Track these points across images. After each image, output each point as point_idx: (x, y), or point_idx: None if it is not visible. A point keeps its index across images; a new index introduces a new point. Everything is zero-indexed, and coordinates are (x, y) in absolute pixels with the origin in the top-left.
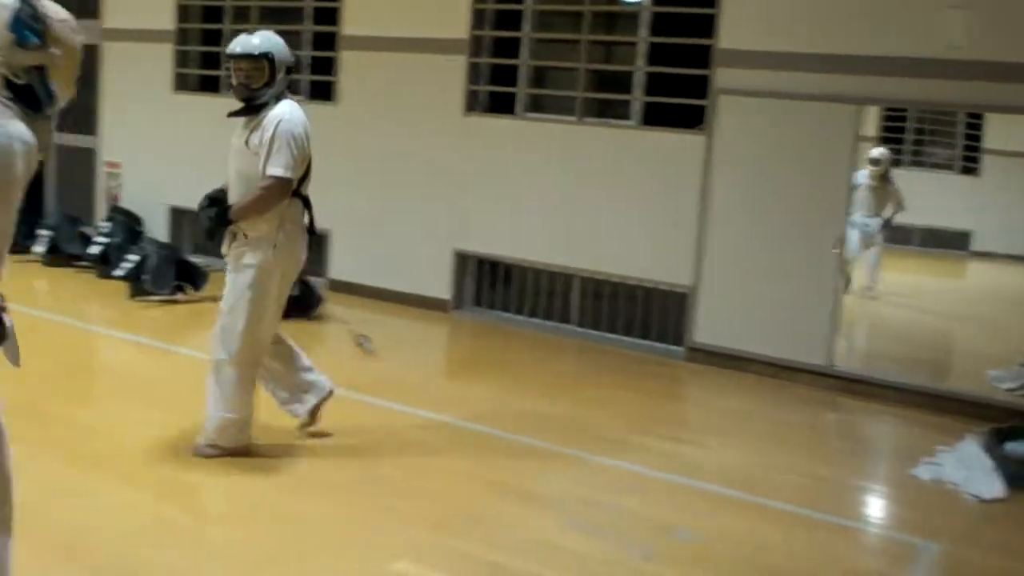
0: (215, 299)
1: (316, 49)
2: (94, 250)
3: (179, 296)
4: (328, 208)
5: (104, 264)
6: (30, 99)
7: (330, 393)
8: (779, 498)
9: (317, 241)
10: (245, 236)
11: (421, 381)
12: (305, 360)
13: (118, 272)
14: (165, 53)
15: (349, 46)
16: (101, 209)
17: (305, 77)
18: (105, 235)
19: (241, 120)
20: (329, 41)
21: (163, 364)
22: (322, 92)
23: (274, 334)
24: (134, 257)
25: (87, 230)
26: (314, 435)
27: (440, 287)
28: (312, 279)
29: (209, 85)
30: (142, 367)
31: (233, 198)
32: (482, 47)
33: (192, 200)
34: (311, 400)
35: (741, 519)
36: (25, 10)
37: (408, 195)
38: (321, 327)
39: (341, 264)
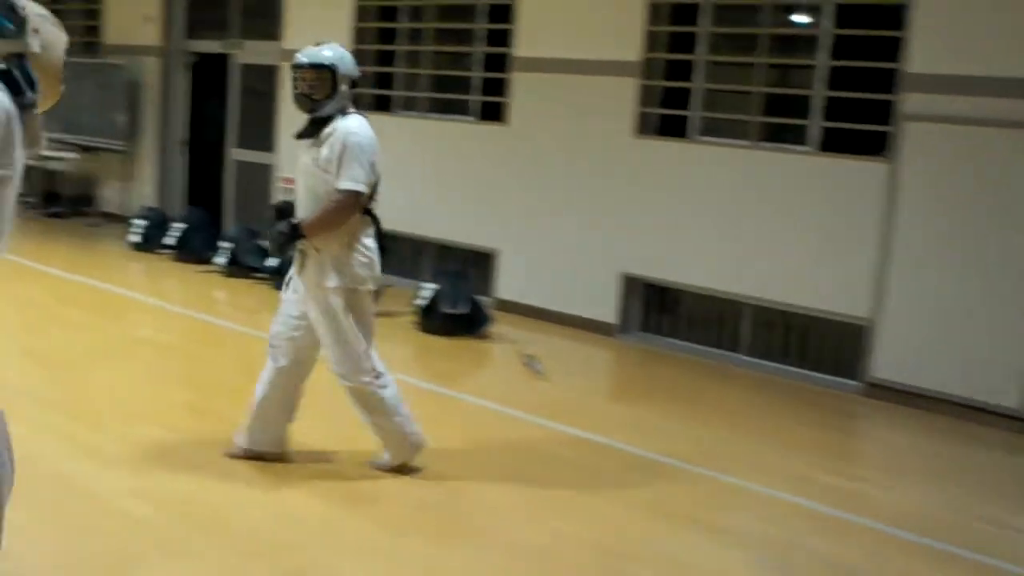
0: (389, 314)
1: (487, 70)
2: (271, 263)
3: None
4: (496, 227)
5: (281, 276)
6: (11, 83)
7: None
8: (967, 546)
9: (484, 260)
10: (316, 250)
11: (590, 404)
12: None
13: None
14: None
15: (521, 67)
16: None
17: (476, 98)
18: None
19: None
20: (500, 62)
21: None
22: (493, 113)
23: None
24: None
25: (264, 243)
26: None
27: (606, 310)
28: (479, 298)
29: (382, 105)
30: (313, 377)
31: (303, 216)
32: (654, 69)
33: None
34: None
35: (925, 565)
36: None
37: (577, 216)
38: (488, 346)
39: (507, 284)
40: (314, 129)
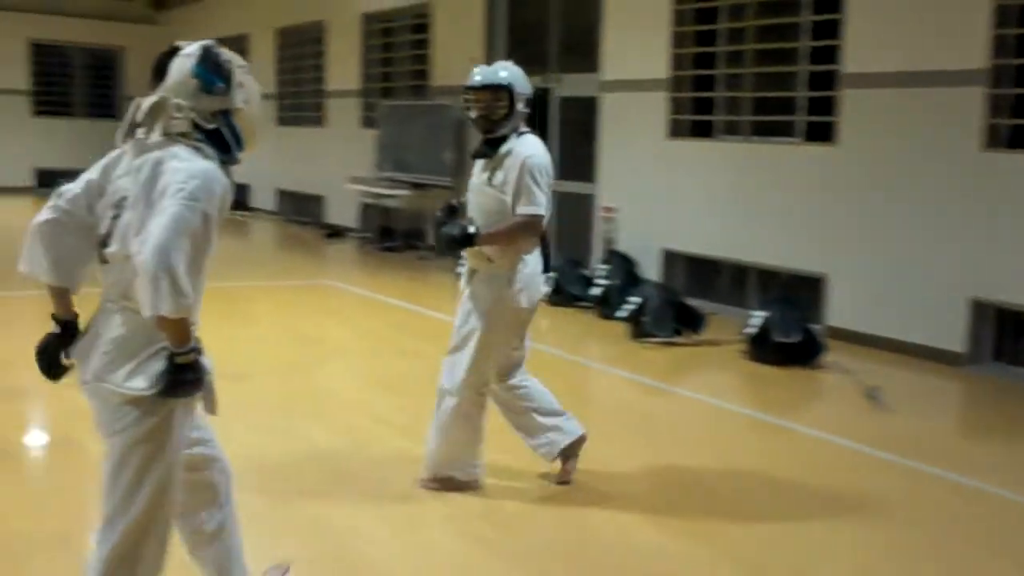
0: (714, 343)
1: (812, 89)
2: (595, 292)
3: (678, 339)
4: (826, 252)
5: (604, 305)
6: (220, 143)
7: (581, 438)
8: None
9: (811, 285)
10: (489, 260)
11: (943, 441)
12: (546, 404)
13: (619, 313)
14: (659, 101)
15: (850, 84)
16: (598, 252)
17: (802, 118)
18: (604, 278)
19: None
20: (826, 80)
21: (662, 403)
22: (819, 133)
23: (507, 372)
24: (635, 299)
25: (587, 272)
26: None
27: (952, 338)
28: (812, 327)
29: (702, 130)
30: (643, 405)
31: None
32: (1004, 77)
33: (687, 243)
34: (559, 440)
35: None
36: (209, 56)
37: (916, 238)
38: (823, 376)
39: (838, 310)
40: (489, 149)
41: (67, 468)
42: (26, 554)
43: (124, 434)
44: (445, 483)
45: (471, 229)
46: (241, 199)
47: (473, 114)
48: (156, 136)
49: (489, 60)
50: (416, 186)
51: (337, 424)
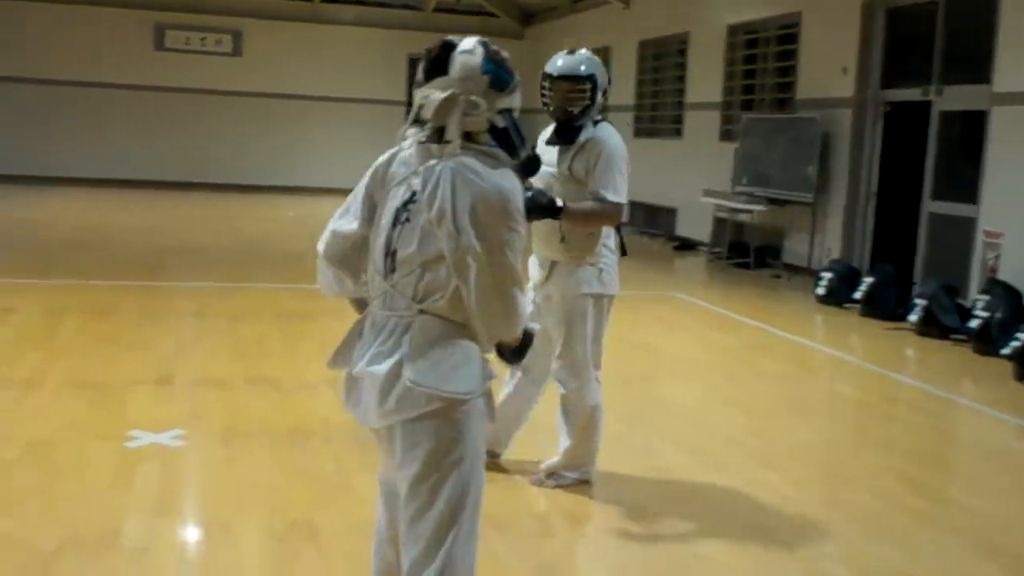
0: None
1: None
2: (972, 324)
3: None
4: None
5: (982, 340)
6: (507, 143)
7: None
8: None
9: None
10: (563, 241)
11: None
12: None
13: (1003, 350)
14: None
15: None
16: (977, 281)
17: None
18: (984, 309)
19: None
20: None
21: None
22: None
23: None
24: (1022, 335)
25: (963, 302)
26: None
27: None
28: None
29: None
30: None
31: (550, 229)
32: None
33: None
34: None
35: None
36: (495, 52)
37: None
38: None
39: None
40: (566, 137)
41: None
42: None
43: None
44: (559, 480)
45: (559, 201)
46: None
47: (551, 104)
48: (452, 135)
49: (861, 71)
50: (773, 201)
51: (682, 439)
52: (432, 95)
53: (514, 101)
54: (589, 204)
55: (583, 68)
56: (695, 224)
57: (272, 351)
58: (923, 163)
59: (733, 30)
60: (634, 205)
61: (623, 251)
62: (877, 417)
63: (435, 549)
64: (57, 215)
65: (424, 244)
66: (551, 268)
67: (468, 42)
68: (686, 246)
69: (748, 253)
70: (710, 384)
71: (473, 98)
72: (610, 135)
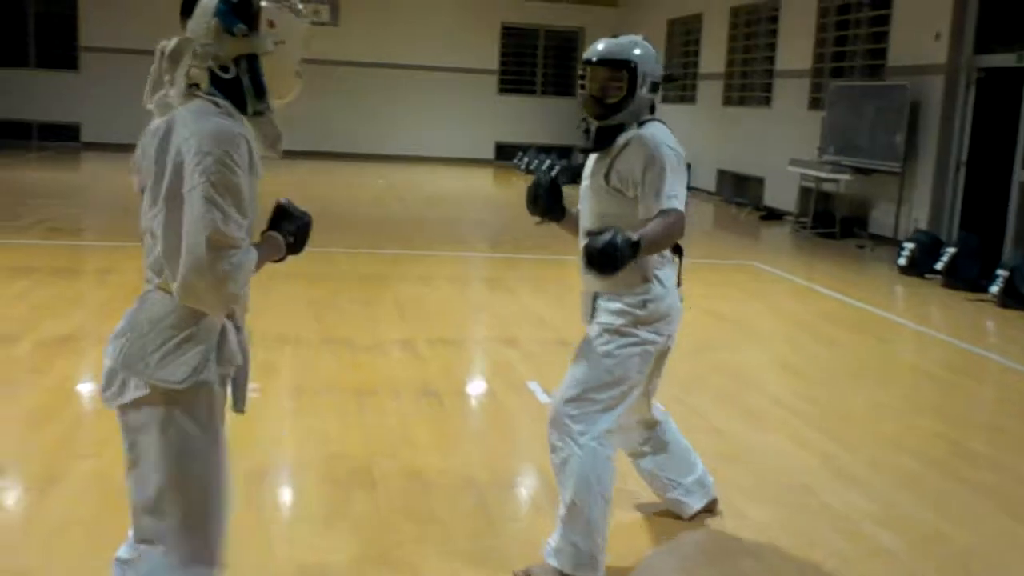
0: None
1: None
2: None
3: None
4: None
5: None
6: (236, 96)
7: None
8: None
9: None
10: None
11: None
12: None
13: None
14: None
15: None
16: None
17: None
18: None
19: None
20: None
21: None
22: None
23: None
24: None
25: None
26: None
27: None
28: None
29: None
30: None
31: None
32: None
33: None
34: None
35: None
36: None
37: None
38: None
39: None
40: (604, 140)
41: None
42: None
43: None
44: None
45: (634, 237)
46: None
47: (585, 93)
48: (176, 89)
49: (955, 36)
50: (860, 171)
51: (735, 404)
52: (169, 43)
53: (254, 46)
54: (655, 224)
55: (626, 52)
56: (783, 194)
57: (347, 312)
58: (1015, 132)
59: None
60: (722, 174)
61: (679, 281)
62: (938, 385)
63: None
64: None
65: (144, 216)
66: (594, 303)
67: None
68: (773, 216)
69: (834, 223)
70: (773, 351)
71: (196, 45)
72: (660, 132)
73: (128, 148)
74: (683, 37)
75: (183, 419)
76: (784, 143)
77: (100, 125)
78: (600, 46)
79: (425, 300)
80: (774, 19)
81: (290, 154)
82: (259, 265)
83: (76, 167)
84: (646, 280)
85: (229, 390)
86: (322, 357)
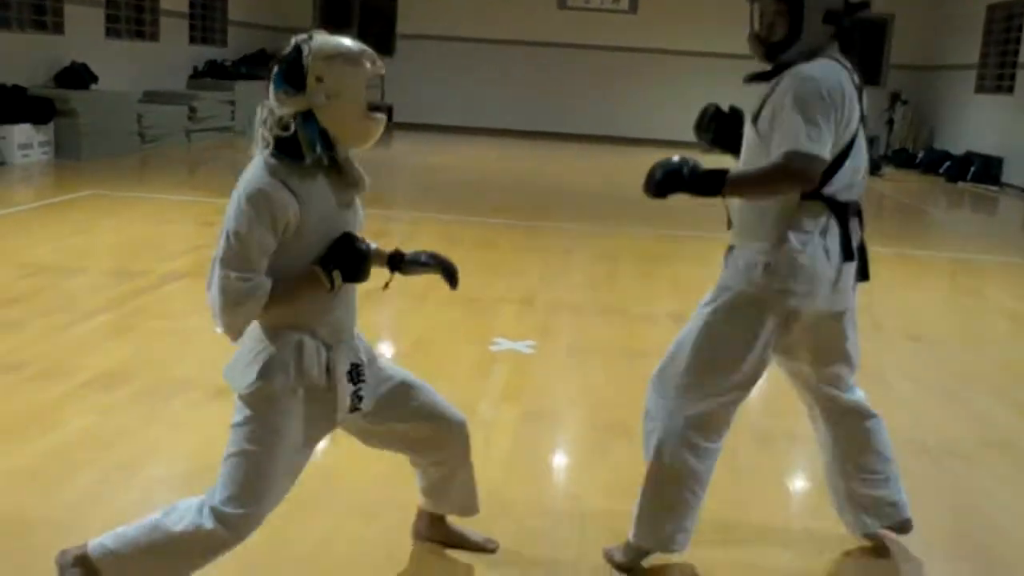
0: None
1: None
2: None
3: None
4: None
5: None
6: (295, 150)
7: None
8: None
9: None
10: (728, 224)
11: None
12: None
13: None
14: None
15: None
16: None
17: None
18: None
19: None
20: None
21: None
22: None
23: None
24: None
25: None
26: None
27: None
28: None
29: None
30: None
31: (738, 211)
32: None
33: None
34: (869, 523)
35: None
36: (287, 55)
37: None
38: None
39: None
40: (763, 76)
41: None
42: None
43: None
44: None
45: (720, 169)
46: (994, 173)
47: (750, 31)
48: (255, 147)
49: None
50: None
51: (1017, 401)
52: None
53: (306, 103)
54: (760, 168)
55: None
56: None
57: (625, 286)
58: None
59: None
60: None
61: (848, 255)
62: None
63: None
64: (456, 161)
65: None
66: (727, 256)
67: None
68: None
69: None
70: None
71: (269, 107)
72: (813, 70)
73: (433, 128)
74: (1003, 23)
75: (254, 422)
76: None
77: (410, 107)
78: None
79: (700, 277)
80: None
81: (598, 138)
82: (295, 295)
83: (387, 144)
84: (775, 239)
85: (346, 392)
86: (597, 323)
